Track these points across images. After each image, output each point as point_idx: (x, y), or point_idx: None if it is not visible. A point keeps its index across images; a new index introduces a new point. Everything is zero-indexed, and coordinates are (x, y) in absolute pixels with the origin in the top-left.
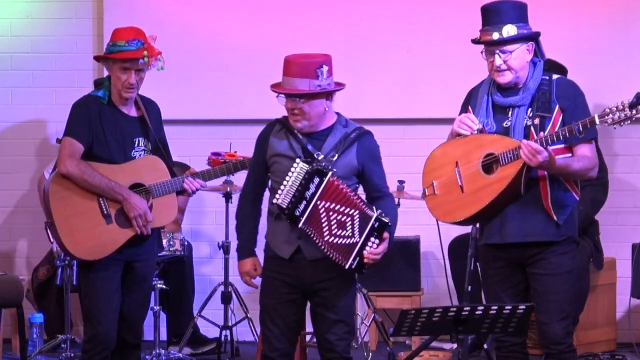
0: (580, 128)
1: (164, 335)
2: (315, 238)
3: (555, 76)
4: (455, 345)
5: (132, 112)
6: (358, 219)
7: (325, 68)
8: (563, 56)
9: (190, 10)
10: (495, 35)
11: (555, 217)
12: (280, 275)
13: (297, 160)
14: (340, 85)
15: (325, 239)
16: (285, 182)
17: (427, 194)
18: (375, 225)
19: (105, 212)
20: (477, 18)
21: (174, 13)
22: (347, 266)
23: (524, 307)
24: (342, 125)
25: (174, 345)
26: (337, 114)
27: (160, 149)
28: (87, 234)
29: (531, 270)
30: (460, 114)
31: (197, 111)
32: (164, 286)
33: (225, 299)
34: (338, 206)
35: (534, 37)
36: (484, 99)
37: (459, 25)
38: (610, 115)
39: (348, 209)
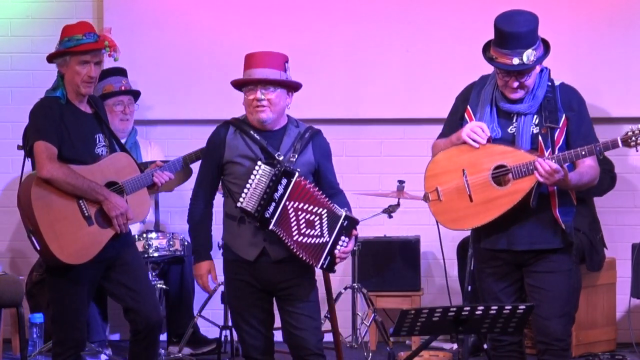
0: (602, 149)
1: (163, 335)
2: (285, 239)
3: (557, 82)
4: (455, 345)
5: (87, 109)
6: (327, 218)
7: (288, 64)
8: (563, 57)
9: (190, 10)
10: (516, 61)
11: (562, 225)
12: (244, 276)
13: (259, 162)
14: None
15: (295, 238)
16: (248, 185)
17: (430, 198)
18: (345, 224)
19: (86, 214)
20: (477, 18)
21: (174, 13)
22: (318, 266)
23: (524, 307)
24: (294, 126)
25: (174, 345)
26: (287, 115)
27: (115, 142)
28: (71, 237)
29: (530, 269)
30: (455, 108)
31: (197, 111)
32: (164, 286)
33: (226, 299)
34: (306, 206)
35: (548, 53)
36: (488, 104)
37: (459, 25)
38: (634, 139)
39: (316, 208)
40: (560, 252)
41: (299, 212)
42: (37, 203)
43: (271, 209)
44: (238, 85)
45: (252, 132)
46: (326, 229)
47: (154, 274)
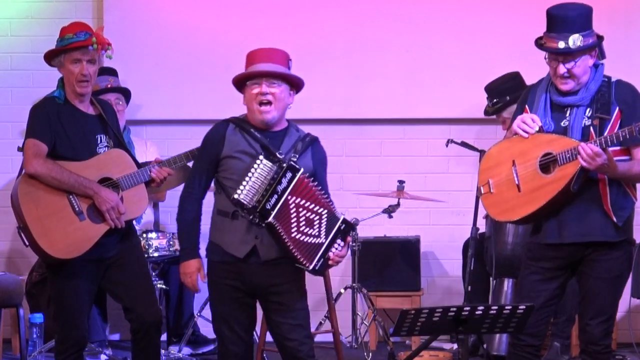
0: None
1: (163, 335)
2: (282, 234)
3: (614, 78)
4: (455, 345)
5: (90, 110)
6: (326, 219)
7: (291, 63)
8: None
9: (190, 10)
10: (561, 45)
11: (614, 219)
12: (229, 280)
13: (260, 157)
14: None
15: (293, 235)
16: (247, 179)
17: (482, 192)
18: (342, 227)
19: (77, 209)
20: (477, 18)
21: (174, 13)
22: (310, 267)
23: (524, 307)
24: (295, 129)
25: (174, 345)
26: (287, 120)
27: (121, 145)
28: (61, 233)
29: (581, 268)
30: (516, 113)
31: (197, 111)
32: (164, 286)
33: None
34: (308, 203)
35: (598, 45)
36: (542, 97)
37: (459, 26)
38: None
39: (317, 208)
40: (613, 259)
41: (300, 209)
42: (24, 198)
43: (273, 200)
44: (241, 80)
45: (252, 130)
46: (324, 229)
47: (154, 274)
